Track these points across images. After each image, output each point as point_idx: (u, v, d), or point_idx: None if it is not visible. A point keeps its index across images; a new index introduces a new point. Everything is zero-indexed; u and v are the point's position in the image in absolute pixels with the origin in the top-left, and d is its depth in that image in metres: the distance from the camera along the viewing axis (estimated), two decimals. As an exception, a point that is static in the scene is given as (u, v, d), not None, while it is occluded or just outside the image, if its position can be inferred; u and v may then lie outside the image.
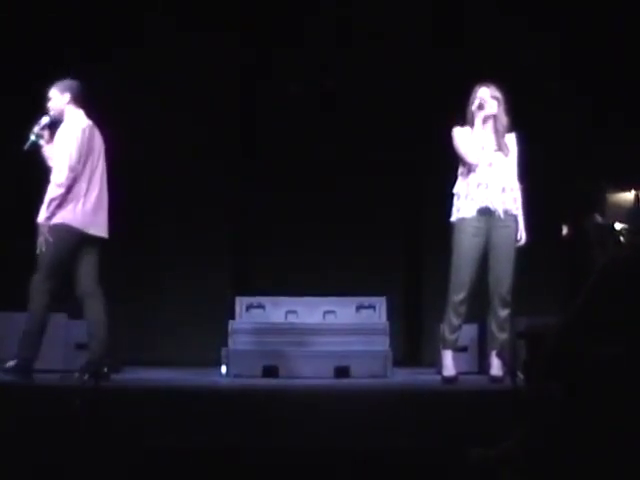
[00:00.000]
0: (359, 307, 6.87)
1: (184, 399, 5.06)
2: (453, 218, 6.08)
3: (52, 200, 5.86)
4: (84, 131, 6.01)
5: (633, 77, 7.41)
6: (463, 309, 6.02)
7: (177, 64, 7.97)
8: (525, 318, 6.38)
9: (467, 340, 6.75)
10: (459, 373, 6.11)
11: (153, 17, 7.96)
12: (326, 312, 6.86)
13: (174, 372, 6.78)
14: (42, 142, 6.06)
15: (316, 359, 6.50)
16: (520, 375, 5.40)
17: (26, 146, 6.04)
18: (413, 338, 8.07)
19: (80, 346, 6.53)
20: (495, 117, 6.08)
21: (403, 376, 6.61)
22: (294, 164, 8.05)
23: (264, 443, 4.16)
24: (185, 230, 8.06)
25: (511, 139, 6.12)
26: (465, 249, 6.02)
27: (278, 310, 6.87)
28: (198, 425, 4.44)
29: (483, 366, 6.53)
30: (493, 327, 6.04)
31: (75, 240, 5.93)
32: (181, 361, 7.45)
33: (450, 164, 6.17)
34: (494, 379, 5.98)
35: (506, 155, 6.08)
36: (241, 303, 6.89)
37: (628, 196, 7.02)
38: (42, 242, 5.84)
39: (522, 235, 6.06)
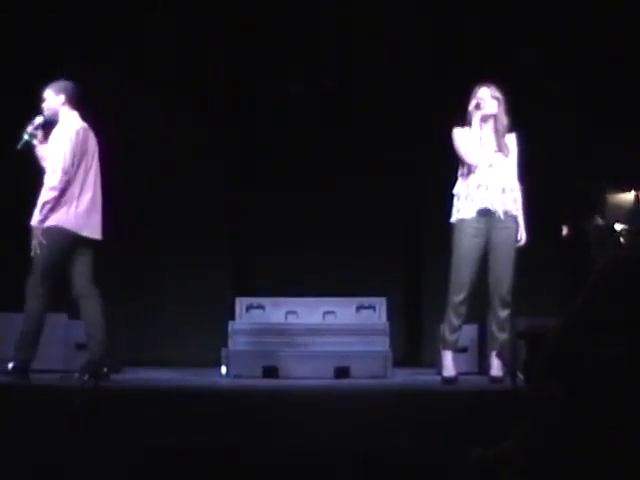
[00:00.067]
0: (359, 307, 6.86)
1: (184, 399, 5.06)
2: (453, 219, 6.08)
3: (45, 203, 5.85)
4: (78, 133, 5.99)
5: (633, 77, 7.41)
6: (463, 310, 6.02)
7: (177, 64, 7.97)
8: (525, 318, 6.38)
9: (467, 340, 6.75)
10: (459, 373, 6.11)
11: (153, 17, 7.96)
12: (326, 312, 6.86)
13: (174, 372, 6.78)
14: (35, 142, 6.05)
15: (316, 359, 6.49)
16: (520, 375, 5.40)
17: (19, 145, 6.03)
18: (413, 338, 8.07)
19: (80, 346, 6.52)
20: (495, 117, 6.08)
21: (403, 376, 6.61)
22: (294, 164, 8.04)
23: (264, 443, 4.16)
24: (185, 230, 8.05)
25: (511, 139, 6.12)
26: (465, 250, 6.01)
27: (278, 310, 6.87)
28: (198, 425, 4.44)
29: (483, 366, 6.53)
30: (493, 327, 6.04)
31: (68, 242, 5.93)
32: (181, 361, 7.45)
33: (450, 164, 6.16)
34: (494, 379, 5.98)
35: (506, 155, 6.08)
36: (241, 303, 6.88)
37: (628, 196, 7.01)
38: (36, 245, 5.84)
39: (522, 235, 6.06)
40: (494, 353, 6.03)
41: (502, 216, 6.00)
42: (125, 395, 5.16)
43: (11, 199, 7.02)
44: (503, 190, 6.02)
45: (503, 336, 6.02)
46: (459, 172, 6.12)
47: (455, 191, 6.11)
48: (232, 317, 6.82)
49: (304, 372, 6.40)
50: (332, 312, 6.86)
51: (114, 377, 6.11)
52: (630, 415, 2.92)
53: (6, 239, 7.20)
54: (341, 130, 8.03)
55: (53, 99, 6.05)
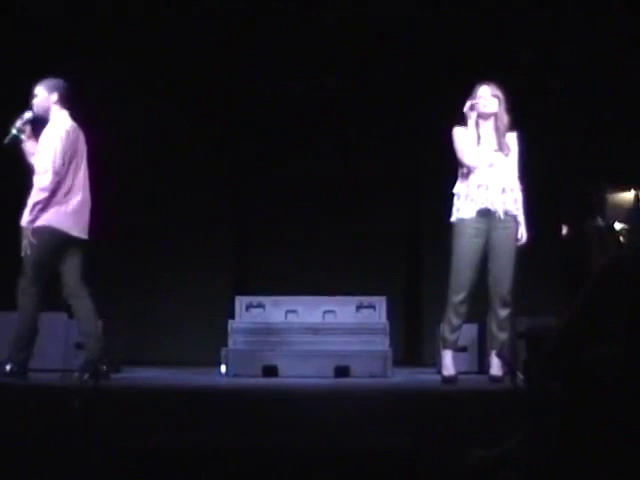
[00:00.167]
0: (359, 307, 6.86)
1: (184, 399, 5.06)
2: (453, 218, 6.08)
3: (36, 204, 5.84)
4: (69, 133, 5.97)
5: (633, 77, 7.41)
6: (463, 309, 6.02)
7: (177, 65, 7.97)
8: (525, 318, 6.39)
9: (467, 340, 6.75)
10: (459, 373, 6.11)
11: (153, 17, 7.96)
12: (326, 312, 6.86)
13: (174, 372, 6.78)
14: (23, 137, 6.03)
15: (316, 359, 6.50)
16: (520, 375, 5.40)
17: (6, 140, 6.00)
18: (413, 338, 8.08)
19: (79, 346, 6.51)
20: (496, 115, 6.08)
21: (403, 376, 6.61)
22: (294, 164, 8.05)
23: (264, 443, 4.16)
24: (185, 230, 8.06)
25: (512, 138, 6.12)
26: (465, 250, 6.01)
27: (278, 310, 6.87)
28: (198, 425, 4.43)
29: (483, 366, 6.53)
30: (493, 327, 6.04)
31: (58, 242, 5.91)
32: (181, 361, 7.46)
33: (450, 164, 6.17)
34: (494, 379, 5.97)
35: (506, 154, 6.07)
36: (241, 303, 6.88)
37: (628, 196, 7.02)
38: (26, 245, 5.83)
39: (523, 234, 6.06)
40: (494, 352, 6.03)
41: (502, 216, 6.00)
42: (125, 395, 5.16)
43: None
44: (503, 190, 6.02)
45: (503, 336, 6.02)
46: (459, 172, 6.12)
47: (455, 191, 6.11)
48: (232, 316, 6.82)
49: (304, 371, 6.40)
50: (332, 311, 6.86)
51: (114, 377, 6.11)
52: (630, 415, 2.92)
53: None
54: (341, 130, 8.03)
55: (45, 96, 6.00)
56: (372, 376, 6.39)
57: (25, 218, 5.86)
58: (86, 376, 5.69)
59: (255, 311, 6.87)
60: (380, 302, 6.86)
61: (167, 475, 3.76)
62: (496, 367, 6.01)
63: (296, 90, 8.01)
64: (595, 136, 7.48)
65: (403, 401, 5.01)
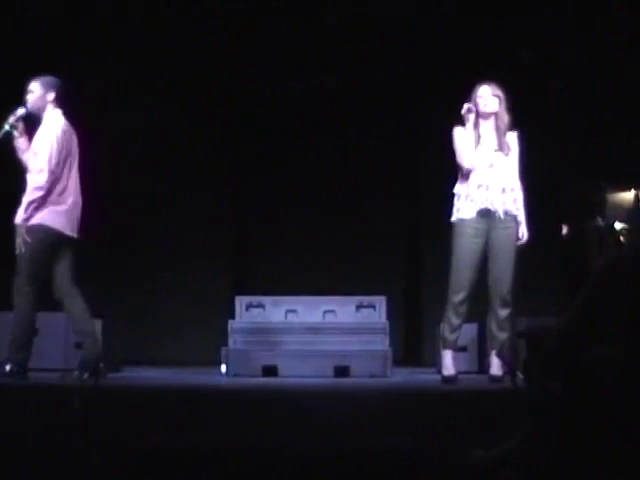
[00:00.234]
0: (359, 306, 6.86)
1: (184, 399, 5.06)
2: (453, 218, 6.08)
3: (31, 202, 5.82)
4: (64, 133, 5.96)
5: (633, 77, 7.41)
6: (463, 309, 6.02)
7: (177, 65, 7.97)
8: (525, 318, 6.39)
9: (467, 340, 6.75)
10: (459, 373, 6.11)
11: (153, 17, 7.96)
12: (326, 311, 6.86)
13: (174, 372, 6.78)
14: (16, 133, 6.01)
15: (316, 358, 6.50)
16: (520, 375, 5.40)
17: None
18: (413, 338, 8.08)
19: (79, 345, 6.52)
20: (496, 115, 6.09)
21: (403, 376, 6.61)
22: (294, 164, 8.05)
23: (264, 443, 4.16)
24: (185, 230, 8.07)
25: (512, 137, 6.12)
26: (465, 250, 6.01)
27: (278, 309, 6.87)
28: (198, 425, 4.43)
29: (483, 366, 6.53)
30: (493, 327, 6.04)
31: (53, 241, 5.90)
32: (181, 361, 7.46)
33: (450, 164, 6.17)
34: (494, 379, 5.97)
35: (507, 154, 6.08)
36: (241, 302, 6.88)
37: (628, 196, 7.02)
38: (20, 243, 5.82)
39: (524, 234, 6.06)
40: (494, 352, 6.02)
41: (502, 216, 6.00)
42: (125, 395, 5.15)
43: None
44: (503, 190, 6.02)
45: (503, 335, 6.01)
46: (459, 172, 6.12)
47: (455, 191, 6.11)
48: (232, 316, 6.82)
49: (304, 371, 6.41)
50: (332, 311, 6.86)
51: (114, 376, 6.11)
52: (630, 415, 2.92)
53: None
54: (341, 130, 8.04)
55: (41, 94, 5.97)
56: (372, 376, 6.39)
57: (19, 216, 5.84)
58: (86, 376, 5.69)
59: (255, 311, 6.87)
60: (380, 302, 6.86)
61: (167, 475, 3.76)
62: (496, 367, 6.01)
63: (296, 90, 8.01)
64: (595, 136, 7.48)
65: (403, 401, 5.01)
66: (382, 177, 8.00)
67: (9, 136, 5.99)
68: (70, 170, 5.99)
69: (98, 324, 6.74)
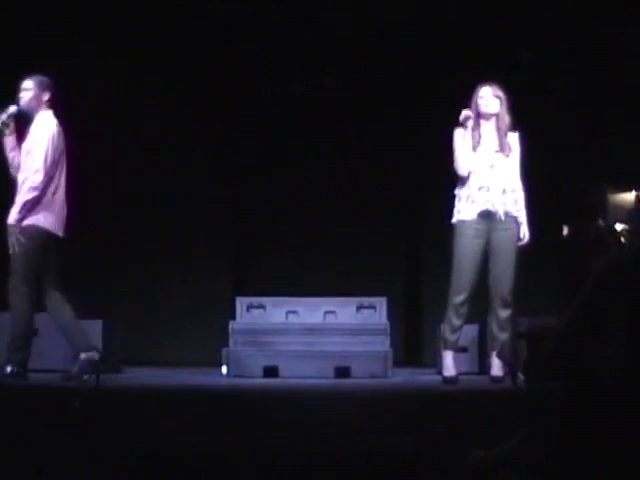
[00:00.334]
0: (359, 307, 6.86)
1: (184, 399, 5.06)
2: (454, 220, 6.08)
3: (26, 202, 5.80)
4: (58, 133, 5.95)
5: (633, 77, 7.41)
6: (464, 310, 6.02)
7: (177, 65, 7.97)
8: (526, 318, 6.39)
9: (468, 340, 6.75)
10: (460, 373, 6.11)
11: (153, 17, 7.96)
12: (326, 312, 6.86)
13: (174, 372, 6.78)
14: (7, 131, 6.00)
15: (316, 359, 6.49)
16: (520, 375, 5.40)
17: None
18: (413, 338, 8.07)
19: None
20: (497, 116, 6.09)
21: (403, 376, 6.61)
22: (294, 164, 8.05)
23: (264, 443, 4.16)
24: (185, 230, 8.06)
25: (513, 138, 6.12)
26: (465, 251, 6.01)
27: (279, 310, 6.86)
28: (198, 425, 4.43)
29: (484, 367, 6.53)
30: (494, 327, 6.04)
31: (46, 241, 5.89)
32: (181, 361, 7.46)
33: (451, 165, 6.16)
34: (495, 379, 5.97)
35: (507, 155, 6.08)
36: (241, 303, 6.88)
37: (628, 196, 7.01)
38: (13, 242, 5.80)
39: (525, 234, 6.06)
40: (495, 353, 6.02)
41: (503, 217, 6.00)
42: (125, 395, 5.15)
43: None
44: (504, 191, 6.02)
45: (504, 336, 6.02)
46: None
47: (456, 192, 6.11)
48: (232, 317, 6.81)
49: (304, 372, 6.40)
50: (333, 312, 6.86)
51: (115, 377, 6.11)
52: (630, 415, 2.92)
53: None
54: (341, 130, 8.03)
55: (35, 94, 5.95)
56: (372, 377, 6.39)
57: (13, 216, 5.82)
58: (86, 376, 5.69)
59: (256, 312, 6.87)
60: (380, 303, 6.85)
61: (167, 475, 3.76)
62: (497, 368, 6.01)
63: (296, 90, 8.00)
64: (595, 136, 7.48)
65: (403, 402, 5.01)
66: (382, 177, 8.00)
67: (0, 134, 5.98)
68: (61, 171, 5.98)
69: (98, 325, 6.75)
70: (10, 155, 5.99)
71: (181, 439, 4.15)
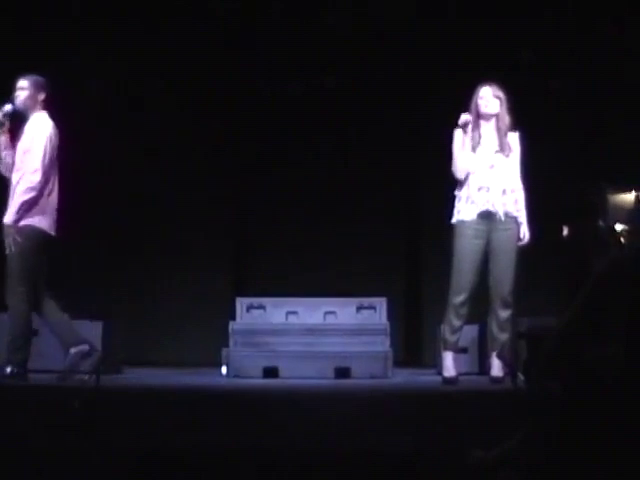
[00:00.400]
0: (359, 308, 6.86)
1: (184, 399, 5.06)
2: (454, 220, 6.08)
3: (24, 203, 5.79)
4: (55, 134, 5.94)
5: (633, 77, 7.40)
6: (464, 311, 6.02)
7: (177, 65, 7.97)
8: (526, 319, 6.38)
9: (468, 341, 6.74)
10: (460, 374, 6.11)
11: (153, 17, 7.95)
12: (327, 313, 6.86)
13: (174, 372, 6.78)
14: (1, 130, 5.98)
15: (316, 360, 6.49)
16: (520, 376, 5.40)
17: None
18: (414, 339, 8.07)
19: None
20: (497, 116, 6.09)
21: (403, 377, 6.61)
22: (294, 164, 8.05)
23: (264, 443, 4.16)
24: (185, 230, 8.06)
25: (514, 138, 6.12)
26: (465, 251, 6.01)
27: (278, 311, 6.86)
28: (198, 425, 4.43)
29: (484, 367, 6.52)
30: (494, 328, 6.04)
31: (42, 241, 5.88)
32: (181, 361, 7.46)
33: (451, 166, 6.16)
34: (495, 380, 5.97)
35: (507, 155, 6.08)
36: (241, 304, 6.88)
37: (628, 197, 7.01)
38: (10, 243, 5.79)
39: (526, 234, 6.06)
40: (495, 354, 6.02)
41: (503, 218, 6.00)
42: (125, 395, 5.15)
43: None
44: (504, 191, 6.02)
45: (504, 337, 6.01)
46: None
47: (456, 192, 6.11)
48: (232, 317, 6.81)
49: (304, 372, 6.40)
50: (333, 312, 6.86)
51: (115, 377, 6.11)
52: (630, 415, 2.92)
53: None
54: (341, 130, 8.03)
55: (31, 93, 5.95)
56: (372, 377, 6.39)
57: (10, 217, 5.80)
58: (86, 376, 5.69)
59: (256, 312, 6.87)
60: (380, 303, 6.85)
61: (167, 475, 3.76)
62: (497, 368, 6.01)
63: (296, 90, 8.00)
64: (595, 136, 7.48)
65: (403, 402, 5.01)
66: (382, 177, 8.00)
67: None
68: (56, 172, 5.97)
69: (98, 325, 6.74)
70: (2, 154, 5.98)
71: (181, 439, 4.15)
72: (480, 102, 6.08)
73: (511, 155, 6.09)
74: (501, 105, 6.08)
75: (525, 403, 3.37)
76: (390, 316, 6.83)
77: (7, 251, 5.81)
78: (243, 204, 8.27)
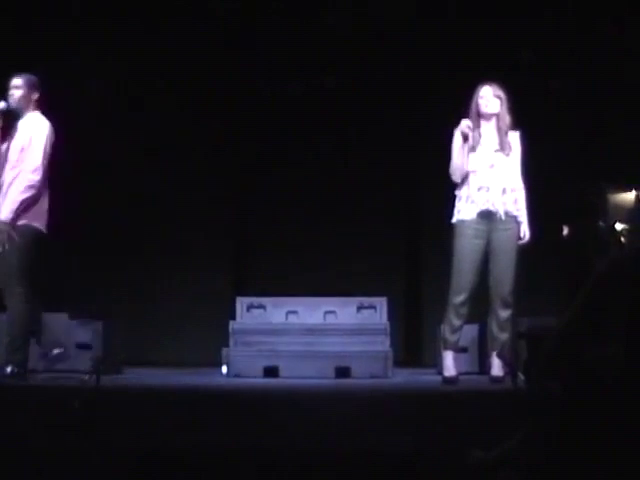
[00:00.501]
0: (360, 307, 6.86)
1: (184, 399, 5.06)
2: (454, 220, 6.08)
3: (23, 201, 5.77)
4: (52, 133, 5.94)
5: (633, 77, 7.40)
6: (464, 310, 6.02)
7: (177, 65, 7.97)
8: (526, 319, 6.38)
9: (468, 341, 6.74)
10: (460, 374, 6.11)
11: (153, 17, 7.96)
12: (327, 312, 6.86)
13: (174, 372, 6.78)
14: None
15: (317, 359, 6.49)
16: (520, 375, 5.40)
17: None
18: (414, 339, 8.07)
19: (80, 346, 6.53)
20: (497, 116, 6.09)
21: (404, 377, 6.61)
22: (294, 164, 8.05)
23: (264, 443, 4.16)
24: (185, 230, 8.06)
25: (514, 137, 6.12)
26: (465, 251, 6.01)
27: (279, 310, 6.86)
28: (198, 425, 4.43)
29: (484, 367, 6.53)
30: (494, 327, 6.04)
31: (38, 240, 5.87)
32: (181, 361, 7.46)
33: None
34: (495, 380, 5.97)
35: (507, 154, 6.08)
36: (242, 303, 6.88)
37: (629, 196, 7.01)
38: (4, 240, 5.75)
39: (526, 233, 6.06)
40: (495, 353, 6.02)
41: (503, 217, 6.00)
42: (125, 395, 5.15)
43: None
44: (504, 191, 6.02)
45: (504, 336, 6.01)
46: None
47: (456, 192, 6.11)
48: (233, 317, 6.81)
49: (304, 372, 6.40)
50: (333, 312, 6.86)
51: (115, 377, 6.11)
52: (630, 415, 2.92)
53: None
54: (341, 130, 8.03)
55: (26, 93, 5.94)
56: (373, 377, 6.39)
57: (7, 214, 5.77)
58: (87, 377, 5.68)
59: (256, 312, 6.87)
60: (381, 303, 6.85)
61: (167, 475, 3.76)
62: (497, 368, 6.01)
63: (296, 90, 8.00)
64: (595, 136, 7.48)
65: (404, 402, 5.01)
66: (382, 177, 8.00)
67: None
68: (50, 170, 5.97)
69: (98, 325, 6.74)
70: None
71: (181, 439, 4.15)
72: (480, 102, 6.08)
73: (511, 154, 6.09)
74: (501, 105, 6.09)
75: (525, 403, 3.37)
76: (390, 316, 6.83)
77: (0, 249, 5.78)
78: (243, 204, 8.28)
